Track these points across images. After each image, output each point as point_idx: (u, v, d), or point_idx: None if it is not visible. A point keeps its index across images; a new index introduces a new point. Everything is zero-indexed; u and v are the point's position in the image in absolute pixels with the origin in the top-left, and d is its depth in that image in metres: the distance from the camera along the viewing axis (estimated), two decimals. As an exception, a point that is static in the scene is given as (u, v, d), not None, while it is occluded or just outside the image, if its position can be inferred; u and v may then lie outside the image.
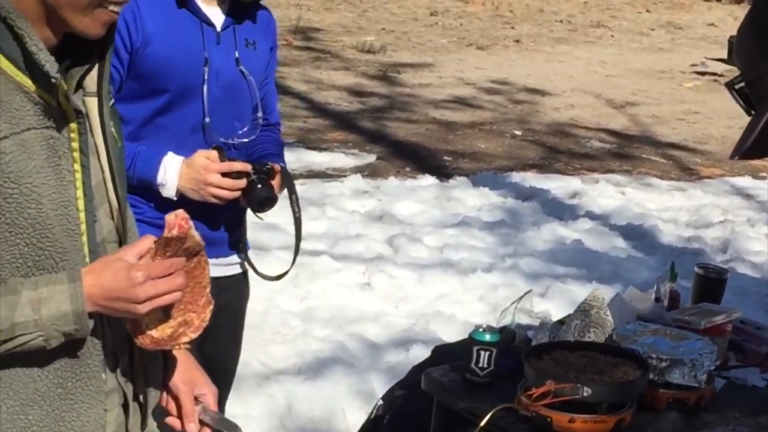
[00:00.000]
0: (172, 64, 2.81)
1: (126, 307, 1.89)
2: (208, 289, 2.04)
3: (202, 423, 2.22)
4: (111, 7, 1.89)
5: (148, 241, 1.92)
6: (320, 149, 9.78)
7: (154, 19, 2.80)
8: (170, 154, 2.84)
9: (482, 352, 3.03)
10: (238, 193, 2.87)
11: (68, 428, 1.96)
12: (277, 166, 2.96)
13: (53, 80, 1.84)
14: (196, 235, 1.96)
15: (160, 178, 2.82)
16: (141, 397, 2.14)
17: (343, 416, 4.51)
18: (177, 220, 1.91)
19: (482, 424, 2.79)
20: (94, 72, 1.99)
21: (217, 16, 2.90)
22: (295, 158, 9.41)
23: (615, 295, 3.38)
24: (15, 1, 1.83)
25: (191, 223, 1.93)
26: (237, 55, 2.93)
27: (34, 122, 1.85)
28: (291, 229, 6.93)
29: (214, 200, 2.83)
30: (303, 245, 6.63)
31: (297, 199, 3.08)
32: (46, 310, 1.83)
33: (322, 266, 6.23)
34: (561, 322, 3.25)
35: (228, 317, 3.12)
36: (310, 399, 4.60)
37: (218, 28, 2.90)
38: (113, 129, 2.05)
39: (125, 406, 2.10)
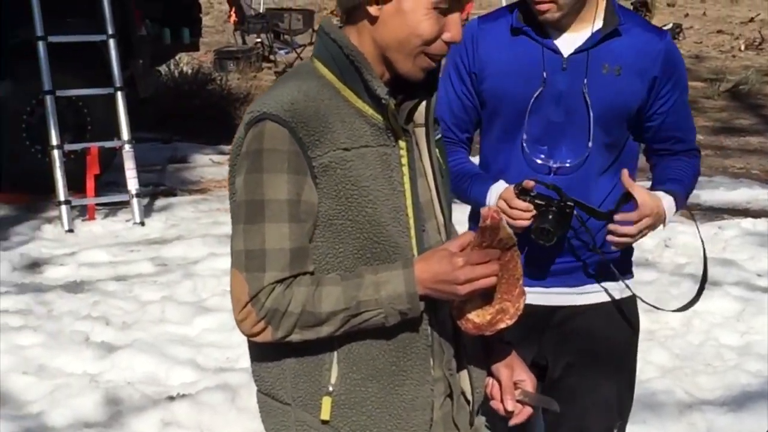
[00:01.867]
0: (502, 90, 2.97)
1: (449, 288, 2.16)
2: (521, 282, 2.27)
3: (522, 403, 2.43)
4: (428, 56, 2.24)
5: (468, 236, 2.21)
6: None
7: (489, 48, 2.99)
8: (500, 181, 2.99)
9: None
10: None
11: (400, 401, 2.27)
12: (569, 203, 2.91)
13: (383, 101, 2.21)
14: (507, 228, 2.20)
15: (487, 202, 2.97)
16: (467, 394, 2.42)
17: (762, 450, 4.48)
18: (490, 212, 2.18)
19: None
20: (422, 106, 2.33)
21: (568, 42, 2.95)
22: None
23: None
24: (359, 43, 2.25)
25: (502, 215, 2.21)
26: (585, 81, 2.92)
27: (370, 141, 2.24)
28: (751, 266, 6.89)
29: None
30: (756, 282, 6.58)
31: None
32: (385, 291, 2.16)
33: (773, 303, 6.14)
34: None
35: (590, 343, 3.08)
36: (730, 431, 4.60)
37: (566, 54, 2.94)
38: (438, 155, 2.38)
39: (451, 397, 2.37)
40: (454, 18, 2.22)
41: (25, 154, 8.88)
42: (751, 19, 21.33)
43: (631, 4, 19.13)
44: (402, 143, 2.28)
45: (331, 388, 2.24)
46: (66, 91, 8.48)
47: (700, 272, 6.40)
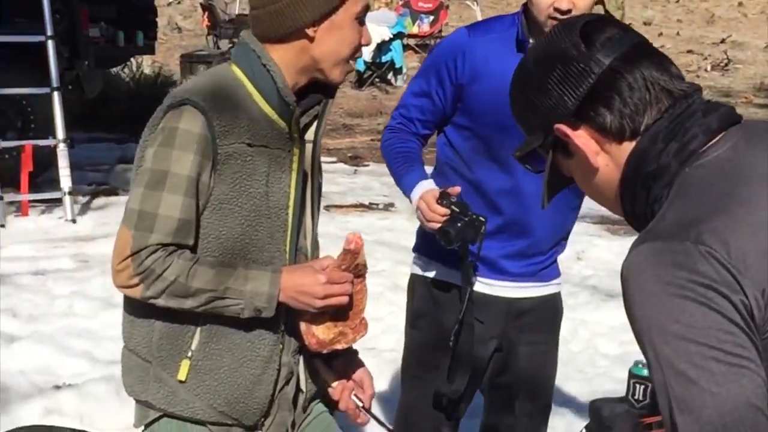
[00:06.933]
0: (499, 105, 2.94)
1: (307, 300, 2.48)
2: (363, 314, 2.59)
3: (359, 408, 2.75)
4: (351, 61, 2.57)
5: (329, 260, 2.53)
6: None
7: (486, 59, 3.05)
8: (430, 180, 3.14)
9: (638, 386, 3.17)
10: (436, 225, 3.04)
11: (249, 374, 2.56)
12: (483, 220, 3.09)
13: (290, 106, 2.52)
14: (365, 256, 2.51)
15: (413, 195, 3.13)
16: (302, 384, 2.72)
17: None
18: (354, 238, 2.49)
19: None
20: (314, 126, 2.65)
21: None
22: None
23: None
24: (283, 52, 2.52)
25: (362, 243, 2.51)
26: None
27: (269, 142, 2.53)
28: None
29: (423, 222, 3.09)
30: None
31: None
32: (251, 285, 2.44)
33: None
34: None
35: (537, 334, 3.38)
36: (586, 434, 4.79)
37: None
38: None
39: (291, 382, 2.67)
40: (365, 26, 2.57)
41: (-33, 150, 9.07)
42: (722, 41, 21.57)
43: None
44: (296, 150, 2.57)
45: (190, 354, 2.52)
46: (2, 90, 8.66)
47: (602, 284, 6.67)
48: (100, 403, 5.06)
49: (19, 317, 6.19)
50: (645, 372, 3.12)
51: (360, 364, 2.78)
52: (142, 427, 2.64)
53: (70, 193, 8.55)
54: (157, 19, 11.75)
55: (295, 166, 2.56)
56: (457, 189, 3.08)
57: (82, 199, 9.28)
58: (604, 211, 3.72)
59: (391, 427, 2.88)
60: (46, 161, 8.99)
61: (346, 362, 2.76)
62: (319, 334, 2.54)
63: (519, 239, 3.21)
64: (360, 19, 2.53)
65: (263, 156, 2.50)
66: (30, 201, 8.76)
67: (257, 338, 2.55)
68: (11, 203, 8.69)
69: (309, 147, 2.65)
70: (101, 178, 10.36)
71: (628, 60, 1.71)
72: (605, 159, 1.75)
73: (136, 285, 2.43)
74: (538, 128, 1.81)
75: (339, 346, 2.58)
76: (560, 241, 3.37)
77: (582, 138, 1.74)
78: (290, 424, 2.68)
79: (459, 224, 3.07)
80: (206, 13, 18.82)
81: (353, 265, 2.49)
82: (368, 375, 2.78)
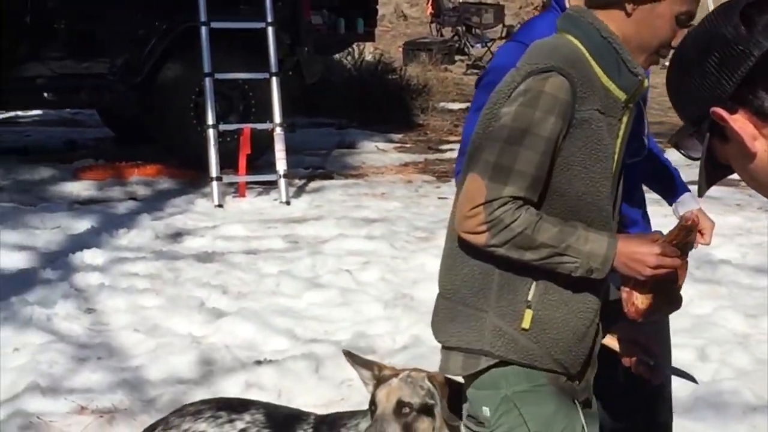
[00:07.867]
0: None
1: (638, 267, 2.55)
2: (679, 291, 2.66)
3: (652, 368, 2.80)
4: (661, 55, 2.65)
5: (656, 235, 2.64)
6: None
7: None
8: None
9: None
10: None
11: (579, 327, 2.65)
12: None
13: (639, 77, 2.62)
14: (696, 235, 2.60)
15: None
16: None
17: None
18: (692, 216, 2.60)
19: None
20: None
21: None
22: None
23: None
24: (601, 18, 2.62)
25: (699, 222, 2.62)
26: None
27: (607, 110, 2.62)
28: None
29: None
30: None
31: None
32: (590, 246, 2.54)
33: None
34: None
35: None
36: (790, 437, 4.59)
37: None
38: None
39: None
40: (682, 31, 2.61)
41: (192, 132, 9.45)
42: None
43: None
44: (624, 119, 2.67)
45: (530, 303, 2.62)
46: (224, 74, 8.98)
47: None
48: (299, 379, 5.19)
49: (228, 294, 6.41)
50: None
51: (642, 324, 2.78)
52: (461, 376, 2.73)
53: (285, 176, 8.80)
54: (378, 7, 11.93)
55: (621, 133, 2.64)
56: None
57: (298, 182, 9.54)
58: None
59: (692, 376, 2.92)
60: (264, 144, 9.28)
61: (631, 326, 2.80)
62: (638, 302, 2.62)
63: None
64: (679, 20, 2.59)
65: (604, 122, 2.59)
66: (247, 183, 9.07)
67: (588, 294, 2.64)
68: (230, 184, 9.02)
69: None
70: (318, 162, 10.62)
71: None
72: (764, 144, 1.69)
73: (483, 232, 2.53)
74: (695, 112, 1.75)
75: (654, 317, 2.65)
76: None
77: (739, 122, 1.69)
78: (591, 381, 2.75)
79: None
80: (430, 0, 19.03)
81: (684, 241, 2.57)
82: (653, 337, 2.81)
